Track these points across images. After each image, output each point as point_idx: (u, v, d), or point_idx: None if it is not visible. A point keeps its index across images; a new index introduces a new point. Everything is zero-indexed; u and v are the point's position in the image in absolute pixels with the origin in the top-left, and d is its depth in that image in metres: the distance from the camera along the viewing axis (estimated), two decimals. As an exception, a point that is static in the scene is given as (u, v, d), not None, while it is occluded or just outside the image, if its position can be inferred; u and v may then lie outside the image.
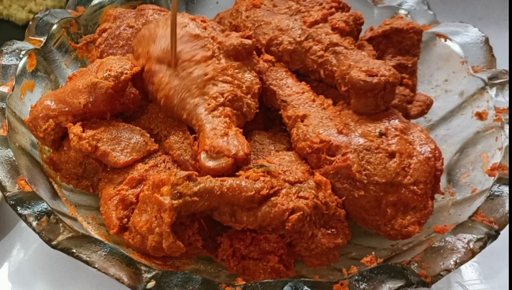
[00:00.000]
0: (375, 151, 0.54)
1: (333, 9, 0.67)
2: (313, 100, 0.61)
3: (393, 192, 0.53)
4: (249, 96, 0.59)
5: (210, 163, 0.53)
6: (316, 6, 0.68)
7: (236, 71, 0.60)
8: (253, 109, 0.60)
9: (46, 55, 0.69)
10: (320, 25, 0.65)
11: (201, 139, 0.55)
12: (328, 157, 0.55)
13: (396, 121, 0.57)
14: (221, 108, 0.57)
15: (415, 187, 0.53)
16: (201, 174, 0.52)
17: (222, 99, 0.57)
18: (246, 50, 0.61)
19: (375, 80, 0.55)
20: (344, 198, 0.54)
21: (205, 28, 0.62)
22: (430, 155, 0.54)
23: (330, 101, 0.61)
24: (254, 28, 0.67)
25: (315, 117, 0.58)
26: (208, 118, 0.56)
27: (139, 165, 0.57)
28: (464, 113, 0.68)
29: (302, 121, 0.59)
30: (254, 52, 0.64)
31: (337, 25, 0.65)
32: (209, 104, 0.57)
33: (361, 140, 0.55)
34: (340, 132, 0.56)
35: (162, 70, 0.59)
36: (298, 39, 0.64)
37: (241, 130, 0.57)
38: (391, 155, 0.54)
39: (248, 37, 0.64)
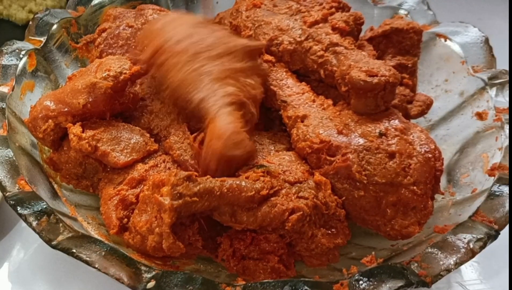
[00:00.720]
0: (375, 151, 0.54)
1: (333, 9, 0.67)
2: (313, 101, 0.61)
3: (393, 192, 0.53)
4: (253, 104, 0.60)
5: (230, 152, 0.53)
6: (316, 6, 0.68)
7: (242, 75, 0.60)
8: (255, 117, 0.60)
9: (46, 55, 0.69)
10: (320, 25, 0.65)
11: (213, 128, 0.54)
12: (328, 158, 0.55)
13: (396, 121, 0.57)
14: (234, 107, 0.57)
15: (415, 187, 0.53)
16: (201, 169, 0.52)
17: (231, 100, 0.57)
18: (253, 52, 0.61)
19: (375, 80, 0.55)
20: (344, 198, 0.54)
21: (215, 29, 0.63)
22: (430, 156, 0.54)
23: (330, 102, 0.61)
24: (254, 28, 0.67)
25: (315, 118, 0.58)
26: (219, 111, 0.55)
27: (139, 165, 0.57)
28: (464, 113, 0.68)
29: (302, 122, 0.59)
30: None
31: (337, 25, 0.65)
32: (223, 99, 0.56)
33: (361, 140, 0.55)
34: (340, 132, 0.56)
35: (178, 55, 0.58)
36: (298, 39, 0.64)
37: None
38: (391, 155, 0.54)
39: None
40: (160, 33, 0.61)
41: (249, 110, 0.58)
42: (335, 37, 0.64)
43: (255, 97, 0.60)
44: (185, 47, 0.59)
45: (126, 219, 0.54)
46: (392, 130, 0.55)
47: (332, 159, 0.55)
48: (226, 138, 0.53)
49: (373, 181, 0.53)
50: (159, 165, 0.57)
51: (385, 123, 0.56)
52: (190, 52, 0.59)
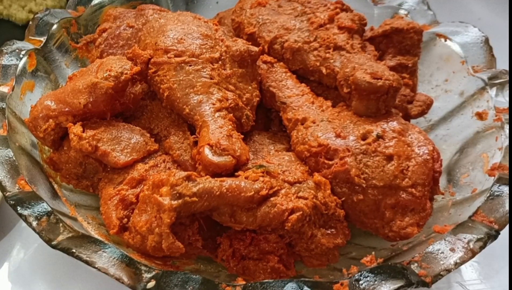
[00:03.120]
0: (373, 154, 0.54)
1: (337, 10, 0.68)
2: (312, 102, 0.61)
3: (392, 195, 0.53)
4: (248, 107, 0.60)
5: (214, 158, 0.53)
6: (321, 8, 0.68)
7: (239, 80, 0.60)
8: (251, 121, 0.60)
9: (46, 55, 0.69)
10: (327, 26, 0.66)
11: (204, 134, 0.55)
12: (326, 161, 0.55)
13: (394, 123, 0.56)
14: (225, 111, 0.57)
15: (413, 190, 0.53)
16: (202, 168, 0.52)
17: (226, 104, 0.57)
18: (251, 57, 0.61)
19: (380, 82, 0.55)
20: (343, 199, 0.54)
21: (216, 30, 0.63)
22: (428, 157, 0.54)
23: (329, 103, 0.62)
24: (258, 26, 0.67)
25: (314, 120, 0.58)
26: (213, 116, 0.56)
27: (139, 165, 0.57)
28: (464, 113, 0.68)
29: (302, 124, 0.59)
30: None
31: (343, 24, 0.66)
32: (214, 104, 0.57)
33: (359, 144, 0.54)
34: (338, 136, 0.56)
35: (169, 62, 0.59)
36: (306, 39, 0.64)
37: (242, 136, 0.57)
38: (389, 157, 0.54)
39: (254, 43, 0.64)
40: (159, 33, 0.61)
41: (245, 114, 0.59)
42: (341, 38, 0.64)
43: (251, 101, 0.60)
44: (184, 48, 0.59)
45: (126, 219, 0.54)
46: (390, 132, 0.55)
47: (330, 163, 0.54)
48: (214, 145, 0.53)
49: (371, 184, 0.53)
50: (159, 165, 0.57)
51: (383, 124, 0.56)
52: (188, 54, 0.59)
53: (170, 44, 0.60)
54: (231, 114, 0.57)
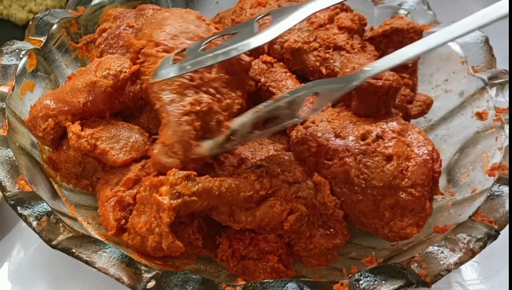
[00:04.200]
0: (372, 154, 0.54)
1: (337, 10, 0.68)
2: (312, 103, 0.61)
3: (391, 195, 0.53)
4: (225, 113, 0.57)
5: (162, 158, 0.52)
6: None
7: (223, 85, 0.58)
8: (221, 127, 0.56)
9: (46, 55, 0.69)
10: (327, 26, 0.66)
11: (163, 133, 0.53)
12: (325, 161, 0.55)
13: (394, 123, 0.56)
14: (193, 116, 0.54)
15: (412, 190, 0.53)
16: (151, 164, 0.53)
17: (197, 108, 0.55)
18: (241, 66, 0.60)
19: (380, 83, 0.55)
20: (342, 199, 0.54)
21: (214, 34, 0.62)
22: (427, 157, 0.54)
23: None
24: None
25: (314, 120, 0.58)
26: (179, 118, 0.54)
27: (134, 165, 0.57)
28: (464, 113, 0.68)
29: (301, 124, 0.59)
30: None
31: (343, 24, 0.66)
32: (184, 106, 0.54)
33: (358, 144, 0.54)
34: (337, 136, 0.55)
35: (155, 55, 0.58)
36: (306, 39, 0.64)
37: (200, 144, 0.54)
38: (388, 158, 0.53)
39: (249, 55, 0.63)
40: (158, 25, 0.61)
41: (215, 118, 0.56)
42: (341, 38, 0.64)
43: (230, 107, 0.58)
44: (173, 45, 0.58)
45: (123, 220, 0.54)
46: (390, 132, 0.55)
47: (330, 163, 0.54)
48: (168, 146, 0.52)
49: (371, 184, 0.53)
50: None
51: (383, 125, 0.56)
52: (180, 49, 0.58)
53: (163, 38, 0.59)
54: (199, 121, 0.54)
